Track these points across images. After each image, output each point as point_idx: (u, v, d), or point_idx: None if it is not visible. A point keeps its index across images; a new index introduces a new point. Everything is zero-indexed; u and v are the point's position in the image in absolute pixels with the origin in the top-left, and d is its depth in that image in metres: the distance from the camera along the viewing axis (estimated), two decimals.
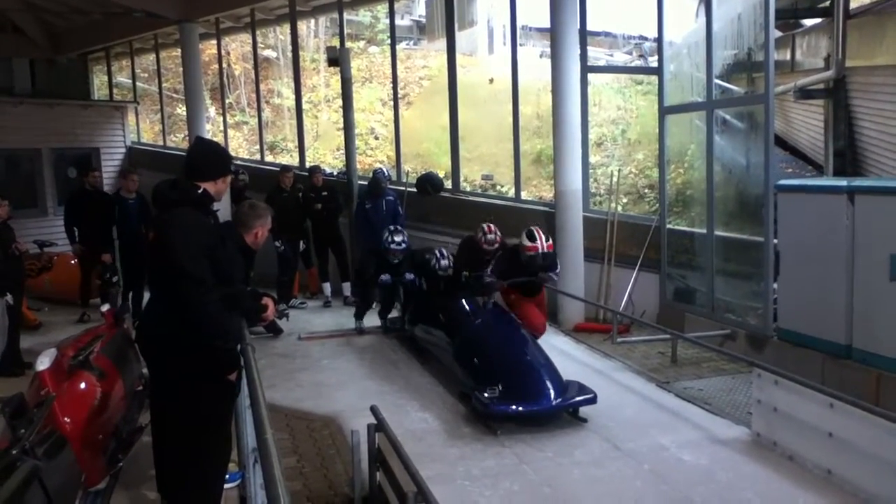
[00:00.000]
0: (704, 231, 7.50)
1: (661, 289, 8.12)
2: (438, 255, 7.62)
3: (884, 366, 5.33)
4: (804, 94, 8.25)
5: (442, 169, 10.97)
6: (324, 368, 6.92)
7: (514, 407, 5.24)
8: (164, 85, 15.91)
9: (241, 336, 3.85)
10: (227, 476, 4.03)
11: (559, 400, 5.27)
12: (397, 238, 7.86)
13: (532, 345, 5.94)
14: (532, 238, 6.51)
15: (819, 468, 4.43)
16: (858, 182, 6.20)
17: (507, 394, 5.30)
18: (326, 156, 14.22)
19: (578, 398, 5.36)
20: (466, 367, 5.91)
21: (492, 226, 7.38)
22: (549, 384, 5.33)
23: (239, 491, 4.16)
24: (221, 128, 14.71)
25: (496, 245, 7.29)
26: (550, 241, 6.53)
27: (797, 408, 4.60)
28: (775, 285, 6.52)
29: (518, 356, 5.72)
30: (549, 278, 6.91)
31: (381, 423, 4.31)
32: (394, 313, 8.30)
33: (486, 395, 5.29)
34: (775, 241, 6.51)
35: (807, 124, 9.33)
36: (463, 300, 6.96)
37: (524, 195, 10.09)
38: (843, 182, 6.15)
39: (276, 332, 8.01)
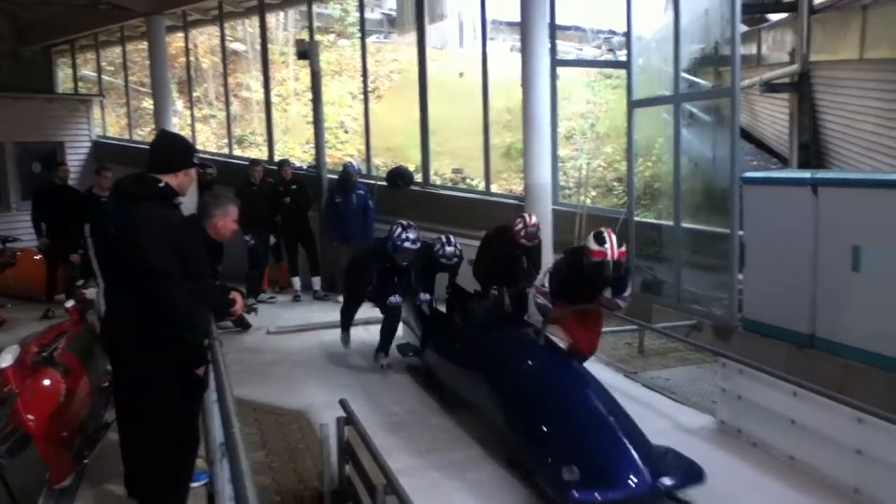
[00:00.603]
0: (671, 223, 7.58)
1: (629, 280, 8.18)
2: (444, 240, 6.63)
3: (846, 354, 5.44)
4: (769, 87, 8.35)
5: (412, 163, 10.96)
6: (293, 363, 6.89)
7: (601, 494, 3.90)
8: (130, 78, 15.69)
9: (209, 331, 3.82)
10: (195, 474, 4.00)
11: (662, 482, 3.94)
12: (411, 235, 6.43)
13: (609, 401, 4.56)
14: (601, 240, 4.98)
15: (782, 454, 4.51)
16: (822, 174, 6.32)
17: (586, 474, 3.96)
18: (296, 149, 14.13)
19: (681, 479, 4.04)
20: (525, 434, 4.49)
21: (533, 216, 6.33)
22: (640, 459, 4.01)
23: (207, 487, 4.13)
24: (189, 121, 14.55)
25: (536, 241, 6.28)
26: (624, 248, 5.07)
27: (761, 396, 4.69)
28: (741, 276, 6.61)
29: (596, 420, 4.34)
30: (615, 305, 5.37)
31: (351, 417, 4.32)
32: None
33: (562, 477, 3.96)
34: (741, 232, 6.60)
35: (772, 118, 9.46)
36: (501, 331, 5.73)
37: (494, 188, 10.13)
38: (807, 174, 6.26)
39: (244, 326, 7.94)
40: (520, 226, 6.19)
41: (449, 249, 6.56)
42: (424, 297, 6.56)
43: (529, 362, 5.04)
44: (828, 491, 4.13)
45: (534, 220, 6.25)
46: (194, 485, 3.98)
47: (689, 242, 7.45)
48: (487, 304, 6.59)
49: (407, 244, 6.38)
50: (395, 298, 6.55)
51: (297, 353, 7.21)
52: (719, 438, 4.91)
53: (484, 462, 4.71)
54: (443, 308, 6.91)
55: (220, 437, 3.46)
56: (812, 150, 8.05)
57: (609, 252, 4.93)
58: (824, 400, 4.27)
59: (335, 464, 4.34)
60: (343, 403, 4.46)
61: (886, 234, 5.19)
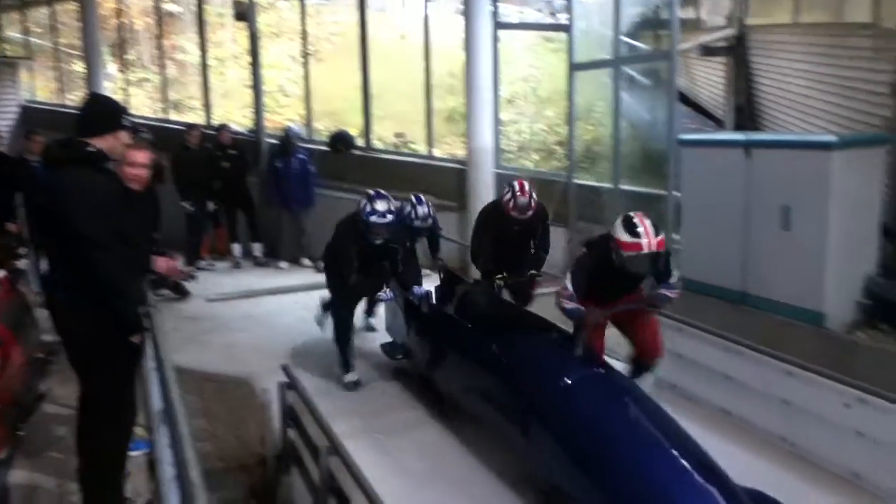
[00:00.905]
0: (611, 185, 7.68)
1: (570, 241, 8.29)
2: (414, 199, 5.80)
3: (774, 310, 5.63)
4: (707, 51, 8.46)
5: (354, 127, 10.84)
6: (234, 330, 6.81)
7: None
8: (60, 41, 15.10)
9: (144, 298, 3.76)
10: (134, 444, 3.95)
11: None
12: (379, 206, 5.18)
13: (679, 433, 3.52)
14: (632, 230, 4.02)
15: (716, 408, 4.67)
16: (755, 136, 6.48)
17: None
18: (234, 114, 13.82)
19: None
20: (574, 478, 3.49)
21: (525, 184, 5.39)
22: None
23: (147, 456, 4.09)
24: (123, 85, 14.12)
25: (530, 213, 5.35)
26: (661, 237, 4.07)
27: (695, 352, 4.84)
28: (677, 237, 6.76)
29: (670, 460, 3.29)
30: (664, 299, 4.37)
31: (293, 382, 4.32)
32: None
33: None
34: (678, 194, 6.72)
35: (709, 81, 9.60)
36: (525, 337, 4.49)
37: (437, 153, 10.12)
38: (740, 136, 6.41)
39: (182, 294, 7.81)
40: (508, 196, 5.32)
41: (422, 210, 5.77)
42: (419, 290, 5.37)
43: (568, 381, 3.83)
44: (757, 441, 4.31)
45: (525, 187, 5.32)
46: (134, 453, 3.93)
47: (628, 204, 7.55)
48: (494, 299, 5.47)
49: (374, 218, 5.15)
50: (384, 294, 5.43)
51: (238, 320, 7.13)
52: (655, 393, 5.04)
53: (428, 423, 4.78)
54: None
55: (160, 404, 3.43)
56: (747, 112, 8.22)
57: (645, 243, 3.98)
58: (756, 354, 4.43)
59: (278, 429, 4.35)
60: (285, 369, 4.45)
61: (814, 193, 5.35)
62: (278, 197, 9.39)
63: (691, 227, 6.51)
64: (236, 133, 10.41)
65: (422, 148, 10.31)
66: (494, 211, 5.56)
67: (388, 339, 5.95)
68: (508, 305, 5.45)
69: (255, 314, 7.31)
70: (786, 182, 5.57)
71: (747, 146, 5.95)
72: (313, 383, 4.94)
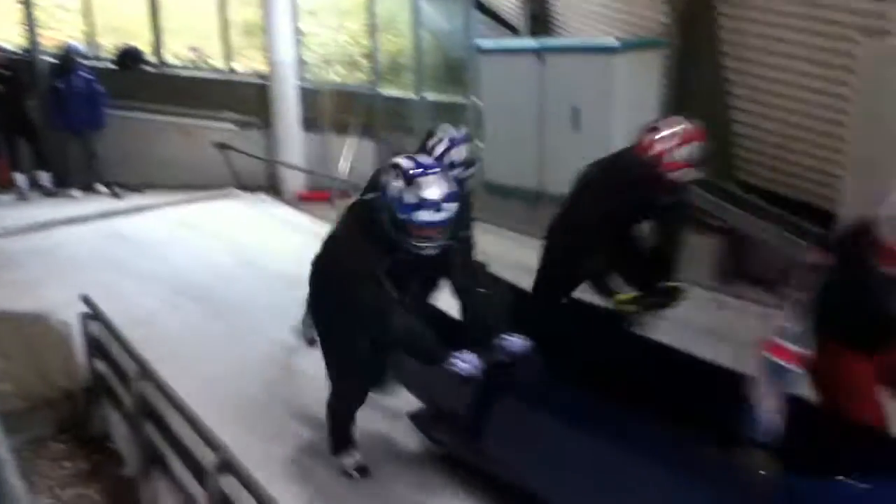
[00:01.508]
0: (415, 96, 7.78)
1: (378, 154, 8.37)
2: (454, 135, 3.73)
3: None
4: None
5: (144, 42, 10.13)
6: (24, 265, 6.27)
7: None
8: None
9: None
10: None
11: None
12: (431, 190, 2.78)
13: None
14: None
15: None
16: (547, 42, 6.75)
17: None
18: (2, 31, 12.49)
19: None
20: None
21: (676, 123, 3.26)
22: None
23: None
24: None
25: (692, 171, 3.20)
26: None
27: (494, 246, 5.09)
28: (481, 144, 7.00)
29: None
30: None
31: (96, 312, 4.16)
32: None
33: None
34: (479, 102, 6.94)
35: None
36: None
37: (236, 68, 9.72)
38: (534, 43, 6.65)
39: None
40: (662, 144, 3.14)
41: (457, 153, 3.60)
42: (513, 342, 2.96)
43: None
44: None
45: (685, 126, 3.20)
46: None
47: (432, 113, 7.71)
48: (654, 346, 3.15)
49: (424, 216, 2.78)
50: (468, 364, 2.84)
51: (27, 254, 6.55)
52: None
53: (244, 342, 4.73)
54: None
55: None
56: (541, 19, 8.51)
57: None
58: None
59: (83, 361, 4.20)
60: (86, 299, 4.26)
61: (600, 95, 5.71)
62: (62, 120, 8.63)
63: (492, 133, 6.77)
64: (7, 52, 9.41)
65: (220, 63, 9.85)
66: (620, 165, 3.35)
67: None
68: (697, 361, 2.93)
69: (46, 247, 6.77)
70: (575, 85, 5.90)
71: (540, 52, 6.21)
72: (118, 313, 4.72)
